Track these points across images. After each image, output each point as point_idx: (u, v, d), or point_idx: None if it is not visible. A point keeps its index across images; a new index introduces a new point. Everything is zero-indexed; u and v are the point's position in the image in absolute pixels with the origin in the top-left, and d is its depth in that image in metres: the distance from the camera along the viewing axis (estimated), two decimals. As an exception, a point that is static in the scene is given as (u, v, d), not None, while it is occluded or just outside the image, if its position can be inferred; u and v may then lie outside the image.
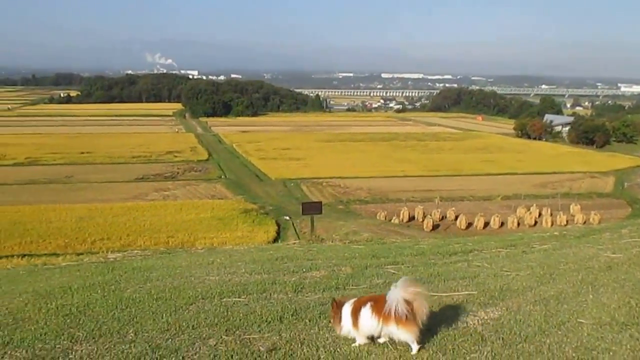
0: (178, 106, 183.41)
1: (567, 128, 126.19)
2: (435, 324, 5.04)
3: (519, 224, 50.09)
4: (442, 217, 52.27)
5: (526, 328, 4.94)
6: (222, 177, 74.63)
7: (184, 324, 5.15)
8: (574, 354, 4.44)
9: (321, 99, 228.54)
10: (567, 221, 49.49)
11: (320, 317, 5.22)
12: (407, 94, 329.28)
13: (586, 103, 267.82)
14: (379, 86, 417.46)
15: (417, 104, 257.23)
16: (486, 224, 49.87)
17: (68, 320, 5.36)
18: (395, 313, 4.27)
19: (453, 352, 4.45)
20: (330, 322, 4.84)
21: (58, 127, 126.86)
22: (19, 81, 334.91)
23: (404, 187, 65.53)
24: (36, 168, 77.14)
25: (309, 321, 5.14)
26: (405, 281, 4.41)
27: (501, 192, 63.74)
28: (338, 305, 4.63)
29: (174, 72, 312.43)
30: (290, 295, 6.04)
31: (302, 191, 64.91)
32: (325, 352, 4.44)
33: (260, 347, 4.54)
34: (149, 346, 4.60)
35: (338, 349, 4.47)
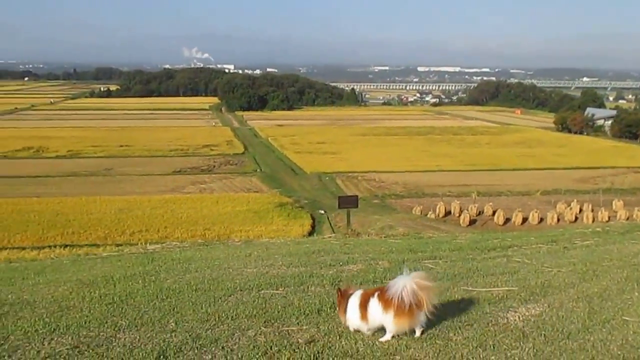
0: (214, 100, 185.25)
1: (609, 122, 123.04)
2: (475, 319, 4.99)
3: (558, 220, 49.05)
4: (479, 212, 51.60)
5: (569, 325, 4.84)
6: (258, 170, 75.15)
7: (223, 314, 5.20)
8: (619, 352, 4.34)
9: (356, 92, 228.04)
10: (609, 217, 48.17)
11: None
12: (444, 88, 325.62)
13: (630, 96, 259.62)
14: (415, 80, 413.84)
15: (454, 98, 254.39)
16: (524, 220, 48.99)
17: (111, 309, 5.48)
18: (397, 303, 4.28)
19: (494, 348, 4.39)
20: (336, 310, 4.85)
21: (98, 121, 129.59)
22: (61, 76, 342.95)
23: (440, 181, 64.91)
24: (77, 161, 79.00)
25: (347, 314, 5.13)
26: (413, 274, 4.41)
27: (540, 187, 62.53)
28: (343, 295, 4.65)
29: (210, 66, 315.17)
30: (327, 289, 6.04)
31: (337, 185, 64.90)
32: (363, 345, 4.43)
33: (299, 339, 4.56)
34: (190, 336, 4.67)
35: (376, 342, 4.46)
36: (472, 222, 49.11)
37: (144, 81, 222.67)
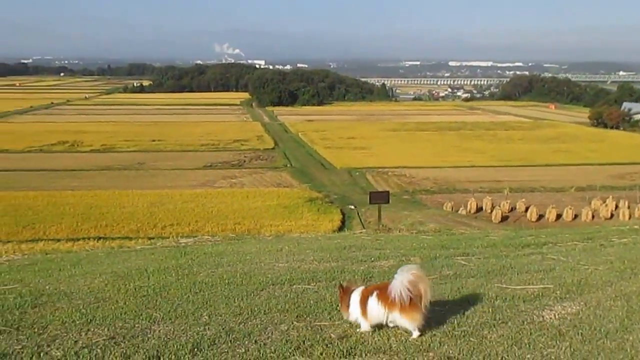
0: (245, 95, 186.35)
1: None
2: (509, 316, 4.92)
3: (593, 217, 48.06)
4: (512, 208, 50.88)
5: (607, 324, 4.74)
6: (288, 165, 75.36)
7: (255, 308, 5.23)
8: (659, 353, 4.22)
9: (387, 87, 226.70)
10: (646, 214, 47.13)
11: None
12: (476, 82, 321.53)
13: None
14: (446, 74, 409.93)
15: (486, 93, 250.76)
16: (558, 216, 48.13)
17: (145, 301, 5.56)
18: (399, 300, 4.32)
19: (529, 346, 4.32)
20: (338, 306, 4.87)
21: (131, 116, 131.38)
22: (96, 71, 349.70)
23: (471, 177, 64.21)
24: (111, 155, 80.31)
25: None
26: (406, 268, 4.46)
27: (575, 183, 61.31)
28: (345, 291, 4.69)
29: (241, 61, 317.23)
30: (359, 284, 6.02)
31: (367, 180, 64.70)
32: (396, 341, 4.41)
33: (332, 334, 4.56)
34: (223, 329, 4.71)
35: (409, 339, 4.43)
36: (504, 218, 48.45)
37: (176, 77, 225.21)
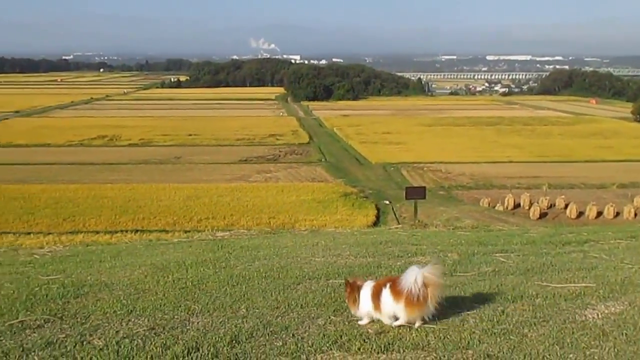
0: (280, 90, 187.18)
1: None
2: (550, 315, 4.83)
3: (636, 215, 46.88)
4: (550, 205, 49.98)
5: (653, 325, 4.60)
6: (323, 160, 75.46)
7: (292, 302, 5.25)
8: None
9: (423, 82, 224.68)
10: (692, 213, 45.75)
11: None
12: (514, 77, 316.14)
13: None
14: (483, 69, 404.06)
15: (525, 87, 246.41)
16: (599, 214, 47.09)
17: (184, 293, 5.63)
18: (408, 293, 4.36)
19: (571, 345, 4.23)
20: (345, 301, 4.86)
21: (168, 111, 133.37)
22: (134, 67, 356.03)
23: (509, 173, 63.27)
24: (148, 149, 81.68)
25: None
26: (424, 267, 4.49)
27: (617, 179, 59.84)
28: (352, 287, 4.68)
29: (276, 57, 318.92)
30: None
31: (402, 176, 64.36)
32: (434, 337, 4.37)
33: (369, 330, 4.54)
34: (260, 322, 4.73)
35: (448, 336, 4.38)
36: (542, 215, 47.65)
37: (213, 72, 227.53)
